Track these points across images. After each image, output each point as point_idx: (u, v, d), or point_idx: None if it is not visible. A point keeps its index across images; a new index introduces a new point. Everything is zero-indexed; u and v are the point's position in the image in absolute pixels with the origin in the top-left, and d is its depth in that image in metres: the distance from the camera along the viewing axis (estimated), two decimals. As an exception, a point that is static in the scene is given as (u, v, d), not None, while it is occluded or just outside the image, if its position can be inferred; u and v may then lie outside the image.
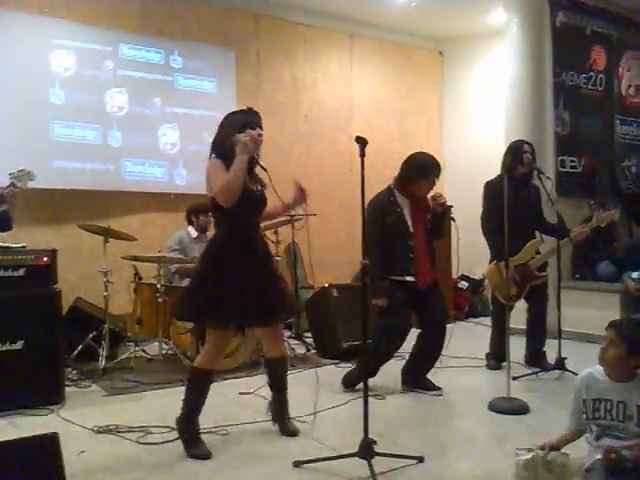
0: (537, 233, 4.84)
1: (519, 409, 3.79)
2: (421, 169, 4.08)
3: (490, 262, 4.83)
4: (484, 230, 4.79)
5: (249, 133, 3.16)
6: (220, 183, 3.06)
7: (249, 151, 3.09)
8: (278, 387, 3.43)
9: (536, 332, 4.86)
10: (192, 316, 3.37)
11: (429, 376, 4.31)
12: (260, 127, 3.23)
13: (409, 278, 4.10)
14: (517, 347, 4.70)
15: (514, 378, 4.27)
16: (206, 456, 3.08)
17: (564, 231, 4.62)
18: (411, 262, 4.08)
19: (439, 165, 4.16)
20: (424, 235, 4.19)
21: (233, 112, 3.37)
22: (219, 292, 3.08)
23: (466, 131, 8.23)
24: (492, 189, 4.70)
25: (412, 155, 4.23)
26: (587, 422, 2.62)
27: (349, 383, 4.28)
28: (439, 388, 4.23)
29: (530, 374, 4.57)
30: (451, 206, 4.14)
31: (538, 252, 4.74)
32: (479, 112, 8.07)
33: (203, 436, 3.25)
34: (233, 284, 3.09)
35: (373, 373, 4.24)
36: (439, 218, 4.19)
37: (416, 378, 4.30)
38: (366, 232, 4.00)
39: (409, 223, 4.14)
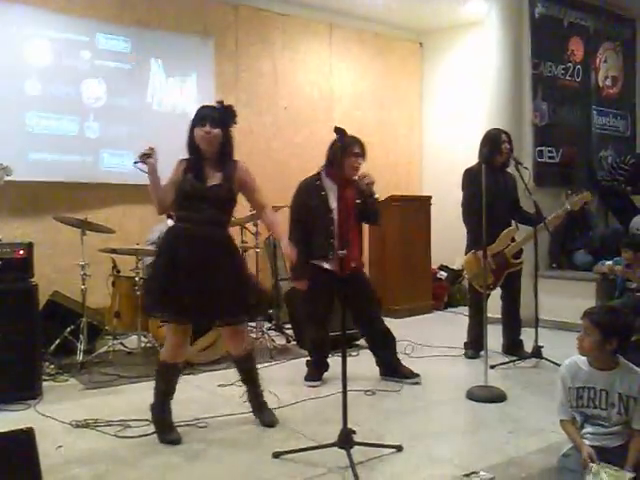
0: (513, 221, 4.89)
1: (497, 397, 3.83)
2: (345, 147, 3.98)
3: (466, 252, 4.86)
4: (465, 217, 4.81)
5: (195, 132, 3.18)
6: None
7: (149, 165, 3.14)
8: (248, 382, 3.44)
9: (512, 321, 4.92)
10: (152, 310, 3.42)
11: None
12: (212, 123, 3.16)
13: (327, 265, 4.10)
14: (495, 336, 4.75)
15: (492, 367, 4.31)
16: (176, 442, 3.14)
17: (539, 220, 4.66)
18: (332, 247, 4.05)
19: (361, 141, 4.15)
20: (350, 220, 4.13)
21: (199, 107, 3.34)
22: (160, 286, 3.15)
23: (445, 122, 8.25)
24: (471, 175, 4.72)
25: (335, 139, 4.15)
26: (571, 410, 2.66)
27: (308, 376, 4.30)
28: (417, 375, 4.26)
29: (507, 362, 4.62)
30: (372, 193, 4.10)
31: (513, 240, 4.78)
32: (458, 103, 8.09)
33: (183, 428, 3.27)
34: (171, 279, 3.10)
35: (321, 364, 4.29)
36: (369, 200, 4.14)
37: (388, 369, 4.33)
38: (290, 214, 4.10)
39: (332, 207, 4.09)
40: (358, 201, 4.10)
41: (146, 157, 3.14)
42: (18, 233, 5.28)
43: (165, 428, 3.22)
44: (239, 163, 3.31)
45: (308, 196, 4.17)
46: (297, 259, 3.59)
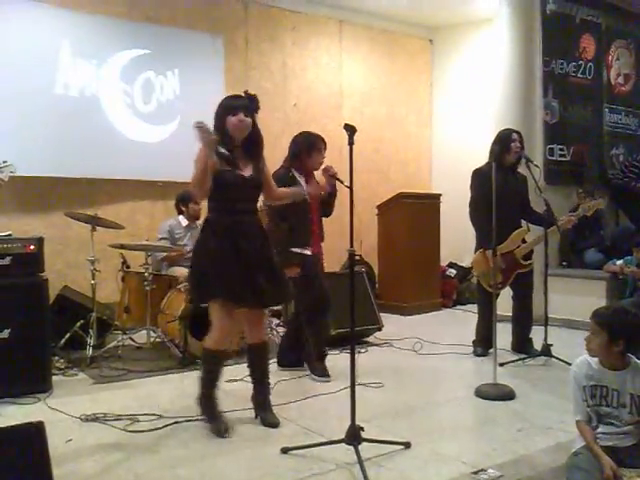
0: (524, 222, 4.87)
1: (505, 395, 3.82)
2: (312, 142, 4.31)
3: (476, 250, 4.85)
4: (472, 217, 4.81)
5: (228, 120, 3.19)
6: (192, 177, 3.15)
7: (205, 142, 3.05)
8: (259, 374, 3.42)
9: (522, 319, 4.90)
10: (199, 297, 3.44)
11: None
12: (245, 111, 3.21)
13: (307, 251, 4.25)
14: (504, 334, 4.73)
15: (501, 364, 4.30)
16: (222, 433, 3.17)
17: (551, 221, 4.63)
18: (311, 235, 4.27)
19: (324, 138, 4.39)
20: (317, 210, 4.39)
21: (225, 97, 3.38)
22: (211, 272, 3.15)
23: (455, 119, 8.23)
24: (480, 177, 4.70)
25: (300, 133, 4.45)
26: (588, 410, 2.64)
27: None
28: (327, 375, 4.28)
29: (516, 360, 4.60)
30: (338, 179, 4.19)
31: (524, 241, 4.77)
32: (468, 100, 8.06)
33: (192, 423, 3.28)
34: (223, 263, 3.13)
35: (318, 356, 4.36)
36: (331, 192, 4.28)
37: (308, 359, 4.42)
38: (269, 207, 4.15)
39: (307, 198, 4.16)
40: (322, 193, 4.20)
41: (207, 132, 3.04)
42: (29, 228, 5.31)
43: (212, 418, 3.25)
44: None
45: (285, 187, 4.18)
46: (284, 247, 3.95)
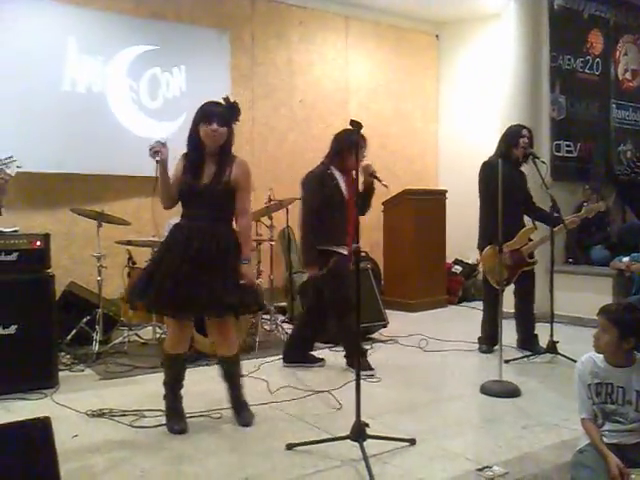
0: (528, 219, 4.86)
1: (511, 392, 3.82)
2: (353, 142, 4.01)
3: (479, 246, 4.83)
4: (482, 210, 4.79)
5: (201, 128, 3.18)
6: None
7: (159, 159, 3.10)
8: (229, 384, 3.38)
9: (524, 316, 4.88)
10: (138, 301, 3.35)
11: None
12: (220, 121, 3.16)
13: (344, 251, 4.22)
14: (509, 331, 4.73)
15: (506, 361, 4.30)
16: (180, 431, 3.17)
17: (555, 220, 4.63)
18: (346, 233, 4.21)
19: (364, 136, 4.20)
20: (354, 208, 4.24)
21: (205, 103, 3.30)
22: (158, 279, 3.13)
23: (462, 115, 8.20)
24: (490, 169, 4.59)
25: (342, 131, 4.33)
26: (594, 407, 2.63)
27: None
28: (321, 360, 4.45)
29: (522, 357, 4.60)
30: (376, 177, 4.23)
31: (530, 239, 4.76)
32: (475, 96, 8.03)
33: (197, 419, 3.30)
34: (168, 272, 3.11)
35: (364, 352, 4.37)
36: (369, 190, 4.29)
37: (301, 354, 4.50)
38: (304, 203, 4.19)
39: (345, 195, 4.26)
40: (360, 191, 4.13)
41: (156, 153, 3.11)
42: (35, 224, 5.33)
43: (172, 417, 3.25)
44: (238, 159, 3.28)
45: (321, 185, 4.24)
46: (311, 247, 3.96)
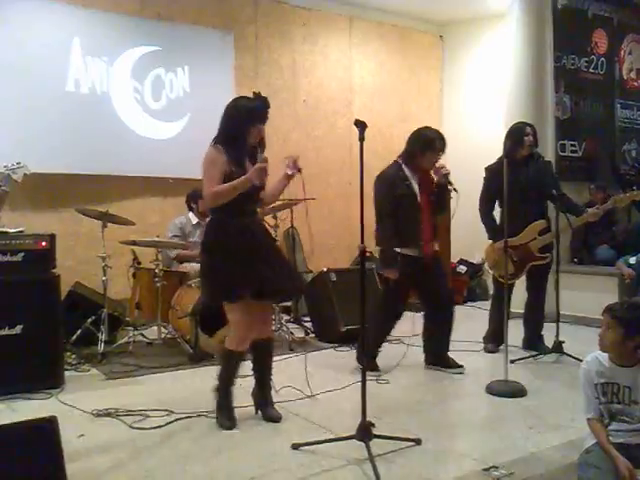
0: (543, 216, 4.81)
1: (516, 392, 3.80)
2: (427, 141, 4.23)
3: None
4: (480, 211, 4.86)
5: (251, 129, 3.20)
6: (211, 188, 3.15)
7: (259, 179, 3.12)
8: (263, 370, 3.43)
9: (534, 315, 4.87)
10: (214, 300, 3.41)
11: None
12: (263, 122, 3.25)
13: (414, 252, 4.20)
14: (515, 330, 4.71)
15: (512, 361, 4.28)
16: (229, 427, 3.22)
17: (579, 210, 4.71)
18: (420, 234, 4.21)
19: (443, 137, 4.31)
20: (429, 208, 4.31)
21: (241, 98, 3.34)
22: (237, 272, 3.14)
23: (466, 115, 8.18)
24: (490, 173, 4.77)
25: (417, 130, 4.39)
26: (601, 407, 2.62)
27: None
28: (460, 366, 4.35)
29: (528, 357, 4.59)
30: (449, 182, 4.25)
31: (540, 234, 4.72)
32: (479, 96, 8.02)
33: (199, 420, 3.31)
34: (246, 262, 3.15)
35: (373, 355, 4.32)
36: (442, 190, 4.27)
37: (435, 357, 4.44)
38: (378, 205, 4.20)
39: (417, 195, 4.24)
40: (435, 190, 4.29)
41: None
42: (40, 225, 5.33)
43: (223, 412, 3.28)
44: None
45: (394, 186, 4.23)
46: (388, 248, 4.10)
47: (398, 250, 4.19)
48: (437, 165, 4.19)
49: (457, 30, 8.33)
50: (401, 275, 4.18)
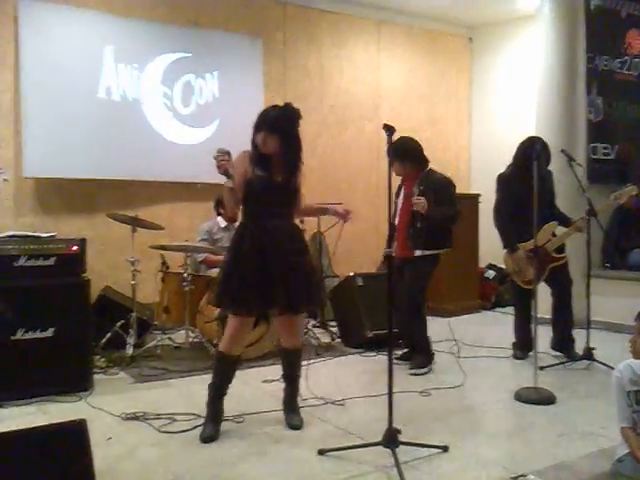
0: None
1: (546, 399, 3.75)
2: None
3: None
4: (495, 220, 4.83)
5: (256, 136, 3.21)
6: (225, 188, 3.19)
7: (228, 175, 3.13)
8: (289, 378, 3.44)
9: (561, 316, 4.78)
10: (217, 303, 3.42)
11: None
12: (269, 130, 3.17)
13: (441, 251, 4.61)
14: (544, 336, 4.63)
15: (541, 368, 4.21)
16: (205, 439, 3.15)
17: (569, 222, 4.72)
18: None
19: (395, 145, 4.08)
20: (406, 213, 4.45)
21: (270, 106, 3.37)
22: (237, 280, 3.17)
23: (496, 118, 8.11)
24: (503, 181, 4.82)
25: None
26: (631, 415, 2.57)
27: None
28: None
29: (557, 364, 4.51)
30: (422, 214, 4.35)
31: (554, 235, 4.69)
32: (509, 99, 7.94)
33: (226, 425, 3.30)
34: (249, 273, 3.14)
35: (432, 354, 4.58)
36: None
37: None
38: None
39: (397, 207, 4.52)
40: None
41: (223, 169, 3.11)
42: (72, 229, 5.43)
43: (207, 421, 3.25)
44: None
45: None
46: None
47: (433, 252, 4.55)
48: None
49: (486, 32, 8.27)
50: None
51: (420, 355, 4.53)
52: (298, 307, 3.30)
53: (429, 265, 4.56)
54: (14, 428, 2.06)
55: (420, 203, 4.24)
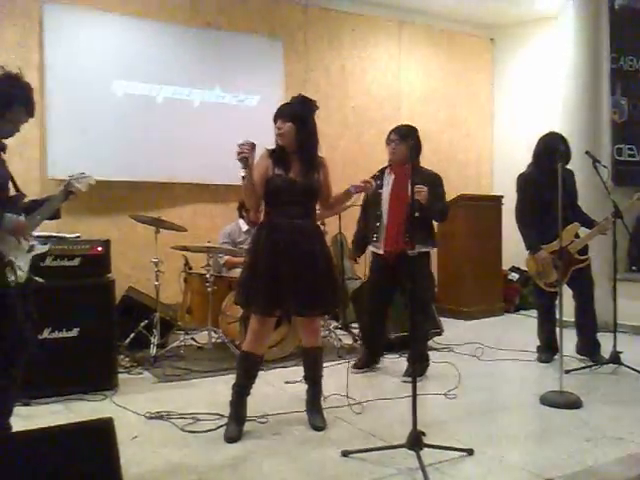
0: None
1: (572, 403, 3.69)
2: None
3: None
4: (517, 221, 4.74)
5: (275, 131, 3.25)
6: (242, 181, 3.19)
7: (244, 165, 3.10)
8: (310, 378, 3.45)
9: (585, 319, 4.70)
10: (239, 302, 3.42)
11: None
12: (284, 118, 3.21)
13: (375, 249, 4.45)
14: (569, 339, 4.58)
15: (567, 371, 4.16)
16: (229, 439, 3.16)
17: (590, 223, 4.64)
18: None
19: (395, 129, 4.47)
20: (394, 209, 4.30)
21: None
22: (248, 281, 3.21)
23: (518, 119, 8.04)
24: (524, 181, 4.71)
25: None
26: None
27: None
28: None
29: (583, 368, 4.45)
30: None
31: (577, 236, 4.63)
32: (532, 99, 7.87)
33: (248, 425, 3.31)
34: (265, 274, 3.16)
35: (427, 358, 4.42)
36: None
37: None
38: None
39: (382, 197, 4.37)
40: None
41: (244, 159, 3.09)
42: (96, 230, 5.47)
43: (229, 421, 3.26)
44: (323, 160, 3.37)
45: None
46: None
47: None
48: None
49: (508, 32, 8.20)
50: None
51: (420, 362, 4.19)
52: (308, 310, 3.27)
53: (427, 262, 4.44)
54: (41, 426, 2.07)
55: (423, 192, 4.02)
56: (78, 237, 4.13)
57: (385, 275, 4.39)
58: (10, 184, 2.90)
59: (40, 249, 2.97)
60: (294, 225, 3.21)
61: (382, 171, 4.49)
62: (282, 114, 3.24)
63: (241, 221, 5.67)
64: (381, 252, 4.34)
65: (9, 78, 2.80)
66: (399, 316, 4.87)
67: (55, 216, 3.09)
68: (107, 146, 5.79)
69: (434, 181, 4.28)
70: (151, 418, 3.48)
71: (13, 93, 2.78)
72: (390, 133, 4.46)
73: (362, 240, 4.59)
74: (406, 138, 4.31)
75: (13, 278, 2.70)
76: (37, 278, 2.99)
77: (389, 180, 4.41)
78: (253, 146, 3.12)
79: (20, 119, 2.83)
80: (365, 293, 4.74)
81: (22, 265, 2.80)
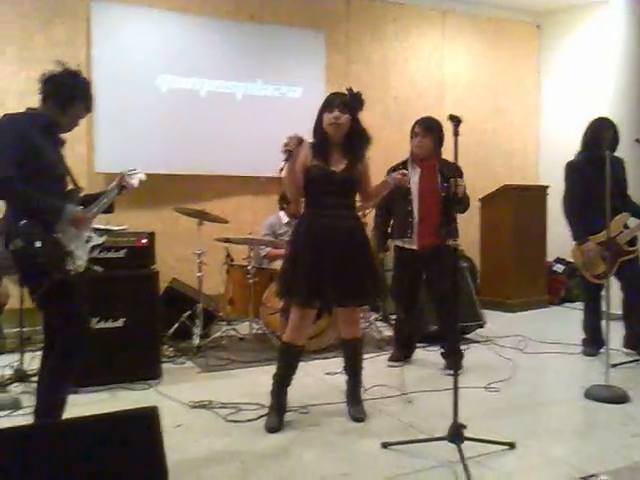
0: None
1: (618, 398, 3.61)
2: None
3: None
4: (565, 211, 4.63)
5: (324, 117, 3.23)
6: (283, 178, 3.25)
7: (287, 158, 3.14)
8: (350, 369, 3.46)
9: (632, 311, 4.56)
10: (280, 294, 3.44)
11: None
12: (342, 108, 3.21)
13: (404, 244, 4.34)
14: (615, 332, 4.46)
15: (613, 365, 4.05)
16: (270, 429, 3.20)
17: None
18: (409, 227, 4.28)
19: (421, 121, 4.39)
20: (425, 201, 4.24)
21: (329, 94, 3.40)
22: (295, 273, 3.22)
23: (565, 108, 7.83)
24: (573, 169, 4.60)
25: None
26: None
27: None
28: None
29: (631, 362, 4.35)
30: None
31: (626, 227, 4.49)
32: (579, 87, 7.66)
33: (289, 415, 3.34)
34: (305, 265, 3.18)
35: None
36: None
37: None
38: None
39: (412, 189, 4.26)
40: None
41: (289, 151, 3.13)
42: (142, 223, 5.58)
43: (270, 412, 3.30)
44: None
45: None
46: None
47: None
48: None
49: (556, 19, 7.99)
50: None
51: (456, 354, 4.08)
52: (348, 300, 3.28)
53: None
54: (88, 413, 2.13)
55: (461, 187, 3.97)
56: (124, 229, 4.23)
57: (415, 270, 4.36)
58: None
59: (97, 240, 3.05)
60: (334, 216, 3.22)
61: (403, 165, 4.34)
62: (342, 104, 3.22)
63: (282, 213, 5.70)
64: (414, 247, 4.28)
65: (70, 74, 2.87)
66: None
67: (109, 210, 3.16)
68: (152, 140, 5.89)
69: (460, 174, 4.17)
70: (194, 407, 3.54)
71: (74, 89, 2.86)
72: (414, 126, 4.37)
73: (384, 235, 4.55)
74: (432, 131, 4.25)
75: (72, 267, 2.78)
76: (96, 267, 3.10)
77: (415, 174, 4.30)
78: (300, 141, 3.16)
79: (80, 114, 2.91)
80: (394, 289, 4.68)
81: (81, 255, 2.89)
